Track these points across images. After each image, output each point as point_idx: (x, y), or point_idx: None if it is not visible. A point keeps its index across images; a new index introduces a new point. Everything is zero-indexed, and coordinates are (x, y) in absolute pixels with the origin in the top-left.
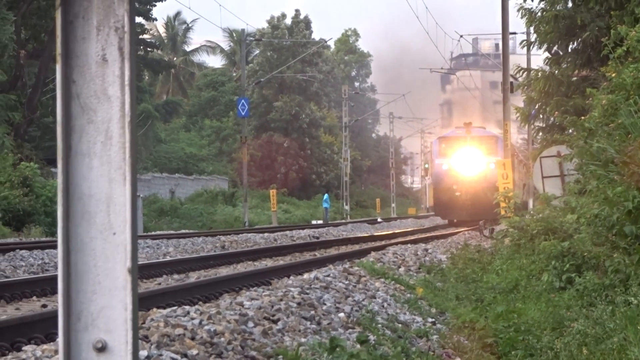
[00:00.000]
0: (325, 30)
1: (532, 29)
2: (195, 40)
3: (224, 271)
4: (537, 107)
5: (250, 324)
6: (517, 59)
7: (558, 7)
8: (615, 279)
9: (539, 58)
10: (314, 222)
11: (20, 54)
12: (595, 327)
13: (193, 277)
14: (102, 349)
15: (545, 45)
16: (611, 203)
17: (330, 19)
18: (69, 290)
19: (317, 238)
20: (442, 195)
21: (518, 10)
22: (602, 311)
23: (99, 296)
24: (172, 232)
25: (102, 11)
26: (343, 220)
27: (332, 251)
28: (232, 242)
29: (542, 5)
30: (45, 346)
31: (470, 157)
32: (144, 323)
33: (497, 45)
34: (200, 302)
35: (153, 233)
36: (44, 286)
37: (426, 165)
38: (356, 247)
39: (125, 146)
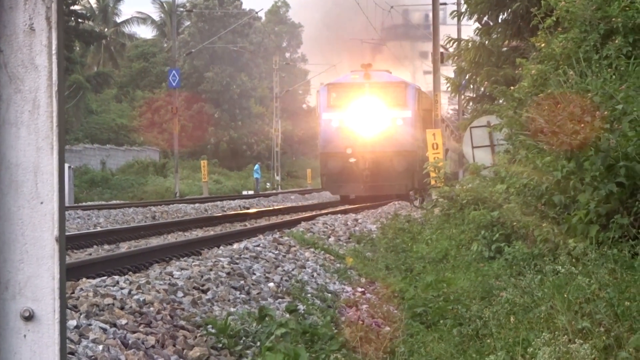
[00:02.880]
0: (256, 1)
1: None
2: (125, 11)
3: (155, 241)
4: (467, 77)
5: (180, 294)
6: (448, 29)
7: None
8: (544, 248)
9: (470, 29)
10: (245, 192)
11: None
12: (523, 296)
13: (123, 247)
14: (29, 317)
15: (475, 16)
16: (540, 172)
17: None
18: None
19: (248, 208)
20: (331, 162)
21: None
22: (531, 280)
23: (27, 265)
24: (103, 202)
25: None
26: (274, 191)
27: (263, 222)
28: (163, 212)
29: None
30: None
31: (370, 110)
32: (73, 293)
33: (427, 15)
34: (130, 272)
35: (84, 204)
36: None
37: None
38: (287, 217)
39: (52, 115)
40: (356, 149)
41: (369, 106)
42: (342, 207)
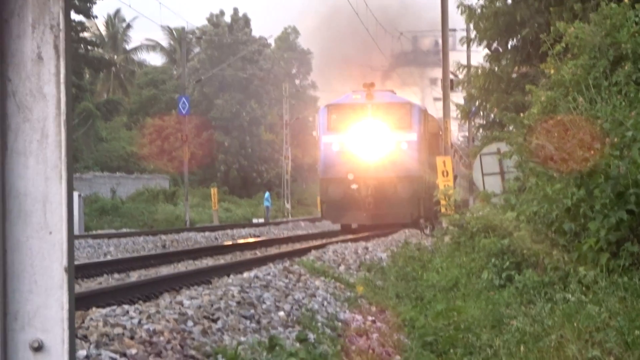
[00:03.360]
0: (266, 28)
1: (471, 25)
2: (135, 38)
3: (165, 270)
4: (477, 104)
5: (190, 323)
6: (457, 55)
7: (498, 4)
8: (554, 276)
9: (479, 55)
10: (255, 220)
11: None
12: (534, 324)
13: (133, 276)
14: (38, 348)
15: (485, 42)
16: (550, 200)
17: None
18: (5, 289)
19: (258, 237)
20: (332, 188)
21: (458, 7)
22: (541, 308)
23: (36, 295)
24: (113, 231)
25: (37, 9)
26: (284, 219)
27: (273, 250)
28: (173, 241)
29: (481, 1)
30: None
31: (373, 132)
32: (83, 322)
33: (436, 42)
34: (140, 302)
35: (94, 232)
36: None
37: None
38: (297, 245)
39: (61, 144)
40: (358, 174)
41: (371, 128)
42: (353, 236)
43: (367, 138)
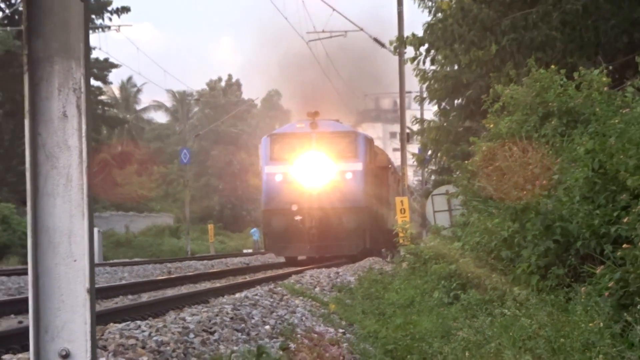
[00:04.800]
0: (253, 90)
1: (424, 87)
2: (144, 100)
3: (170, 292)
4: (429, 153)
5: (192, 335)
6: (413, 112)
7: (446, 69)
8: (494, 295)
9: (430, 112)
10: (245, 250)
11: None
12: (476, 334)
13: (144, 297)
14: (66, 356)
15: (435, 101)
16: (490, 232)
17: (257, 80)
18: (38, 308)
19: (248, 264)
20: (275, 220)
21: (414, 70)
22: (482, 321)
23: (63, 312)
24: (127, 260)
25: (62, 75)
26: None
27: (260, 275)
28: (177, 268)
29: (433, 67)
30: (20, 355)
31: (317, 162)
32: (102, 335)
33: (395, 102)
34: (150, 318)
35: (111, 261)
36: (20, 306)
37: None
38: (280, 271)
39: (83, 187)
40: (302, 205)
41: (315, 158)
42: (300, 268)
43: (311, 168)
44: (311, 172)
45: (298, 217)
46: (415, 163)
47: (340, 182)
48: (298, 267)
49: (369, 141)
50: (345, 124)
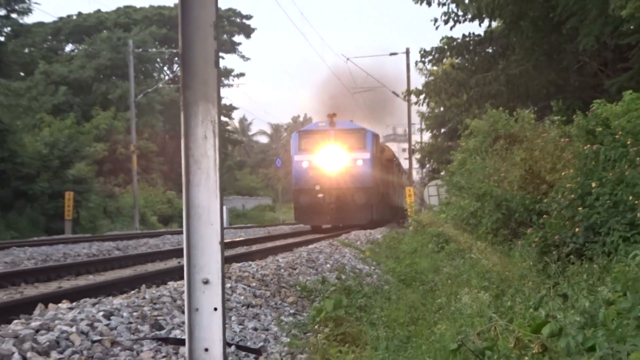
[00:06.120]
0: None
1: (423, 121)
2: (253, 128)
3: (270, 244)
4: (426, 160)
5: (282, 270)
6: (415, 138)
7: (436, 110)
8: (465, 246)
9: (426, 136)
10: None
11: (165, 137)
12: (454, 270)
13: (254, 247)
14: (206, 282)
15: (429, 130)
16: (462, 208)
17: (321, 116)
18: (189, 253)
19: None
20: (302, 197)
21: (417, 112)
22: (458, 262)
23: (205, 255)
24: (242, 225)
25: (204, 113)
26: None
27: (322, 234)
28: (273, 229)
29: (428, 109)
30: (179, 282)
31: (334, 152)
32: (228, 270)
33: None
34: (257, 260)
35: (233, 226)
36: (178, 253)
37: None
38: (332, 233)
39: (216, 181)
40: (323, 185)
41: (333, 149)
42: (324, 234)
43: (330, 157)
44: (330, 160)
45: (320, 195)
46: (417, 166)
47: (352, 167)
48: (322, 234)
49: (375, 136)
50: (357, 124)
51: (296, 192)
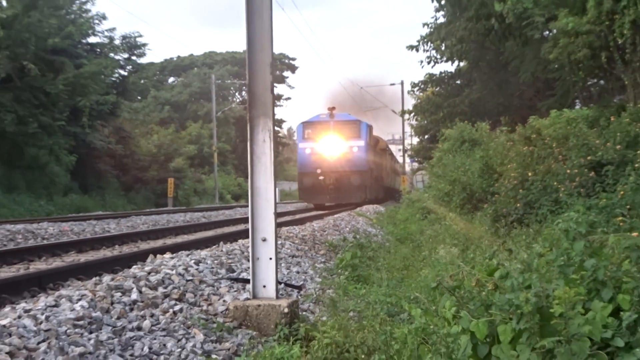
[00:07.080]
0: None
1: (412, 130)
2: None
3: (307, 214)
4: (415, 157)
5: (316, 232)
6: (408, 141)
7: (422, 123)
8: (441, 215)
9: (414, 140)
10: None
11: (237, 141)
12: (434, 232)
13: (297, 216)
14: (264, 240)
15: (417, 136)
16: (439, 190)
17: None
18: (253, 220)
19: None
20: (305, 179)
21: (408, 124)
22: (437, 227)
23: (263, 222)
24: (288, 201)
25: (263, 124)
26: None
27: (345, 208)
28: (305, 206)
29: (416, 122)
30: (245, 239)
31: (333, 140)
32: (279, 231)
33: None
34: (299, 224)
35: (283, 202)
36: (245, 221)
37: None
38: (354, 206)
39: (271, 171)
40: (324, 169)
41: (332, 138)
42: (325, 211)
43: (330, 144)
44: (330, 147)
45: (321, 177)
46: (409, 160)
47: (349, 153)
48: (325, 210)
49: (369, 127)
50: (353, 116)
51: (300, 175)
